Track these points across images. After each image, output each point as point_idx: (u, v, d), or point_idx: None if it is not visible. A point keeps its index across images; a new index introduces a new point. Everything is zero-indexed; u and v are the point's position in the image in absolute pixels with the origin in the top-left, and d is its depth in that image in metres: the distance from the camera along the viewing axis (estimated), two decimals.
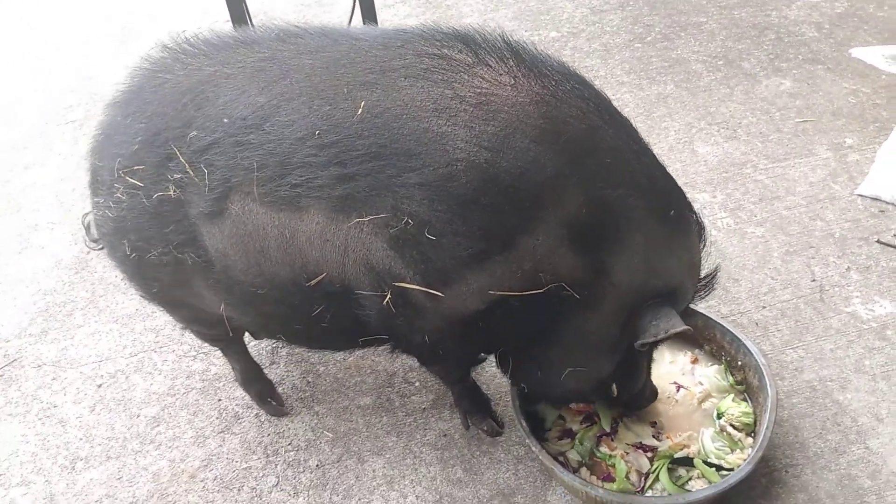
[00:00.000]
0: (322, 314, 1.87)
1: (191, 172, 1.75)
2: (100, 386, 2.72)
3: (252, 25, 3.65)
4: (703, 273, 1.99)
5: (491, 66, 1.67)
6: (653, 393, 2.25)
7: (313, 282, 1.79)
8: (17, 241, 3.51)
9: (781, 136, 3.57)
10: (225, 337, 2.30)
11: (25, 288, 3.21)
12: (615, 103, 1.81)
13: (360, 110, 1.63)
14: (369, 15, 3.80)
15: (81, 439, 2.53)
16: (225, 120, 1.72)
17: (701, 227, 1.93)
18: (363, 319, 1.88)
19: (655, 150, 1.85)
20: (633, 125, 1.81)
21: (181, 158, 1.75)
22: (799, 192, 3.22)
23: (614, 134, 1.72)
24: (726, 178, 3.36)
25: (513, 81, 1.65)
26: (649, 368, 2.18)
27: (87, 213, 2.20)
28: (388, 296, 1.75)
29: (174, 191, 1.78)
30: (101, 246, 2.18)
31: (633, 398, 2.20)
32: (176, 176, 1.77)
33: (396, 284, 1.73)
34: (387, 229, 1.66)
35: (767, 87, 3.96)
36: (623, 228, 1.73)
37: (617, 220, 1.72)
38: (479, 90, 1.63)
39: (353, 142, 1.63)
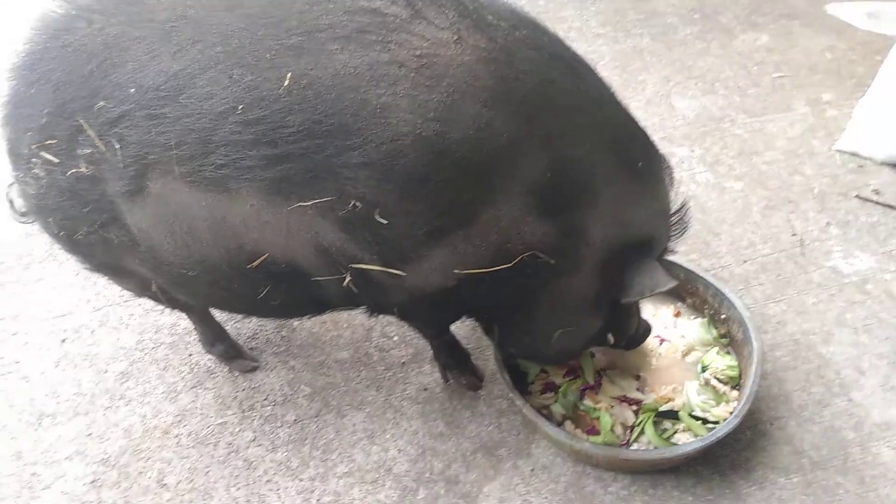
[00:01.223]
0: (270, 295, 1.75)
1: (101, 147, 1.57)
2: (63, 341, 2.61)
3: None
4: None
5: (430, 21, 1.49)
6: (646, 330, 2.20)
7: (255, 264, 1.65)
8: None
9: (759, 91, 3.55)
10: (177, 305, 2.17)
11: None
12: (590, 56, 1.71)
13: (287, 81, 1.46)
14: None
15: (47, 395, 2.43)
16: (132, 90, 1.53)
17: (669, 169, 1.85)
18: (324, 296, 1.79)
19: (632, 105, 1.78)
20: (594, 69, 1.70)
21: (90, 132, 1.58)
22: (778, 147, 3.21)
23: (572, 85, 1.61)
24: (704, 133, 3.33)
25: (456, 37, 1.49)
26: (639, 309, 2.14)
27: (10, 185, 2.02)
28: (348, 277, 1.65)
29: (87, 167, 1.61)
30: (31, 220, 2.03)
31: (630, 340, 2.16)
32: (86, 151, 1.60)
33: (354, 266, 1.62)
34: (334, 213, 1.53)
35: (744, 41, 3.93)
36: (592, 186, 1.64)
37: (585, 179, 1.63)
38: (418, 52, 1.46)
39: (283, 118, 1.46)
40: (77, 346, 2.59)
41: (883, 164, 3.06)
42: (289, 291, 1.76)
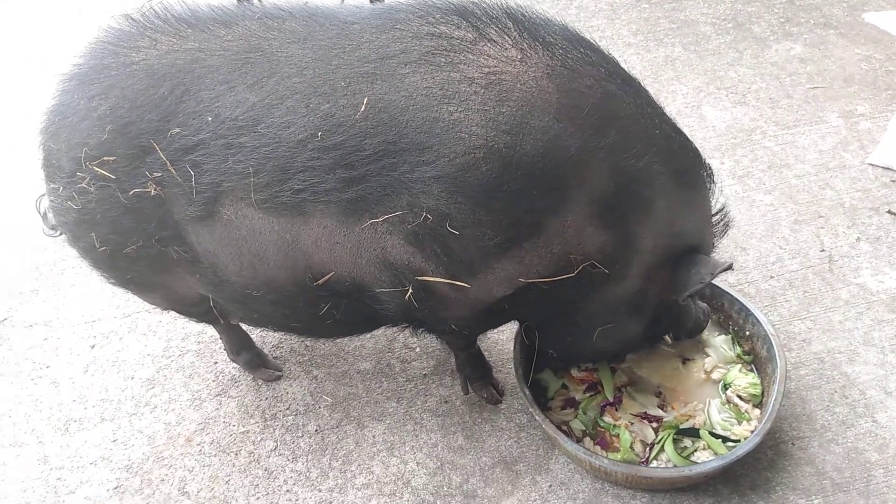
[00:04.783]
0: (329, 312, 1.80)
1: (173, 172, 1.63)
2: (93, 347, 2.67)
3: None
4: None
5: (495, 41, 1.56)
6: (706, 313, 2.25)
7: (320, 282, 1.71)
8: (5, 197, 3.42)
9: (791, 103, 3.50)
10: (207, 317, 2.21)
11: (15, 246, 3.13)
12: (621, 66, 1.73)
13: (364, 107, 1.53)
14: None
15: (75, 400, 2.48)
16: (209, 118, 1.60)
17: (710, 175, 1.88)
18: (379, 312, 1.82)
19: None
20: (643, 86, 1.75)
21: (161, 156, 1.63)
22: (809, 160, 3.16)
23: (631, 100, 1.65)
24: (735, 145, 3.29)
25: (520, 55, 1.56)
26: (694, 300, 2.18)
27: (41, 196, 2.01)
28: (410, 291, 1.68)
29: (154, 189, 1.66)
30: (59, 233, 2.03)
31: (692, 329, 2.22)
32: (156, 174, 1.64)
33: (419, 279, 1.66)
34: (403, 225, 1.58)
35: (777, 51, 3.88)
36: (647, 197, 1.69)
37: (642, 190, 1.67)
38: (486, 69, 1.53)
39: (360, 142, 1.53)
40: (106, 351, 2.64)
41: None
42: (347, 309, 1.80)
